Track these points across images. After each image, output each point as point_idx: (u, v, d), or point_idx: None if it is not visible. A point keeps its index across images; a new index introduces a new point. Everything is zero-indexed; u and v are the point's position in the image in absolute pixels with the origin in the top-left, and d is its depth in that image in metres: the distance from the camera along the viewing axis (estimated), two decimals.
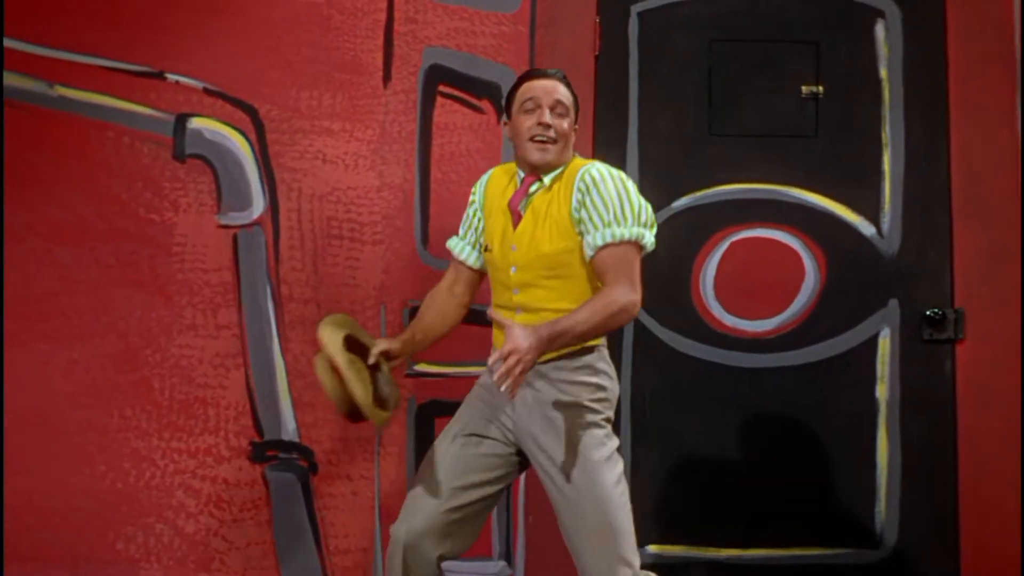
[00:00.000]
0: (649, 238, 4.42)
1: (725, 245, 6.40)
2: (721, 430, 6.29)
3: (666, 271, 6.20)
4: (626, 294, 4.34)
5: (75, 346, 5.82)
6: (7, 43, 5.80)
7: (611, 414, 4.51)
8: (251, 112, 6.03)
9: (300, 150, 6.06)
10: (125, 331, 5.91)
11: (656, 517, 6.20)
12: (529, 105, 4.56)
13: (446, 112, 6.40)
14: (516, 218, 4.62)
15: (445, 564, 4.72)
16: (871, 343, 6.39)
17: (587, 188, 4.50)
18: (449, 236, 5.16)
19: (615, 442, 4.44)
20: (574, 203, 4.52)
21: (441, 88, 6.38)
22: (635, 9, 6.38)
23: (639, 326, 6.31)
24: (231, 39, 6.05)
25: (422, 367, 6.30)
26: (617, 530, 4.46)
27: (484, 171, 5.30)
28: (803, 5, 6.20)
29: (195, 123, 6.05)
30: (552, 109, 4.59)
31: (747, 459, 6.33)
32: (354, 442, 6.16)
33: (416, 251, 6.27)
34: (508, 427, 4.62)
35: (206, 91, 5.99)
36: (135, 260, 5.91)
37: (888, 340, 6.40)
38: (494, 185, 4.75)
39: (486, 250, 4.67)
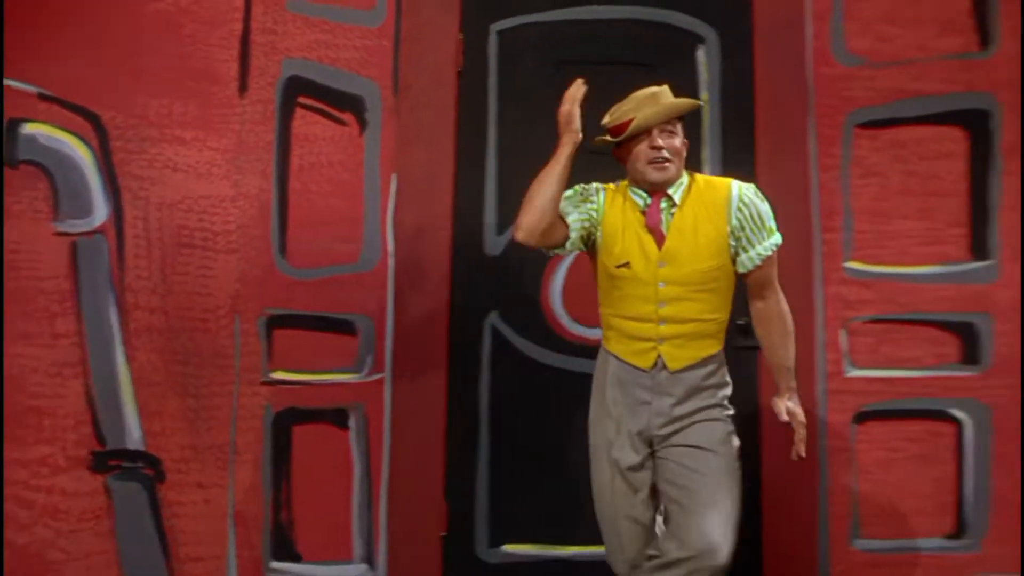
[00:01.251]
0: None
1: (571, 257, 4.26)
2: (571, 434, 4.13)
3: (520, 282, 4.32)
4: (785, 304, 3.41)
5: None
6: None
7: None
8: (93, 119, 3.93)
9: (149, 158, 3.99)
10: None
11: (510, 518, 4.28)
12: (647, 117, 3.31)
13: (306, 123, 4.23)
14: (659, 237, 3.34)
15: (304, 568, 3.73)
16: None
17: (746, 209, 3.35)
18: (310, 243, 3.95)
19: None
20: (734, 222, 3.35)
21: (301, 99, 4.22)
22: (494, 28, 4.32)
23: (496, 334, 4.35)
24: (73, 46, 3.96)
25: (279, 375, 4.13)
26: (736, 510, 3.34)
27: (346, 181, 3.94)
28: (639, 29, 4.37)
29: (28, 129, 3.86)
30: (661, 131, 3.34)
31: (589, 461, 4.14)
32: (205, 450, 4.07)
33: (273, 261, 4.15)
34: (645, 434, 3.41)
35: (41, 96, 3.89)
36: None
37: None
38: (610, 203, 3.43)
39: (620, 267, 3.35)
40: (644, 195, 3.33)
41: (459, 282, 4.21)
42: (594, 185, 3.44)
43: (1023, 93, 4.51)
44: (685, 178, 3.35)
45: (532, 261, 4.25)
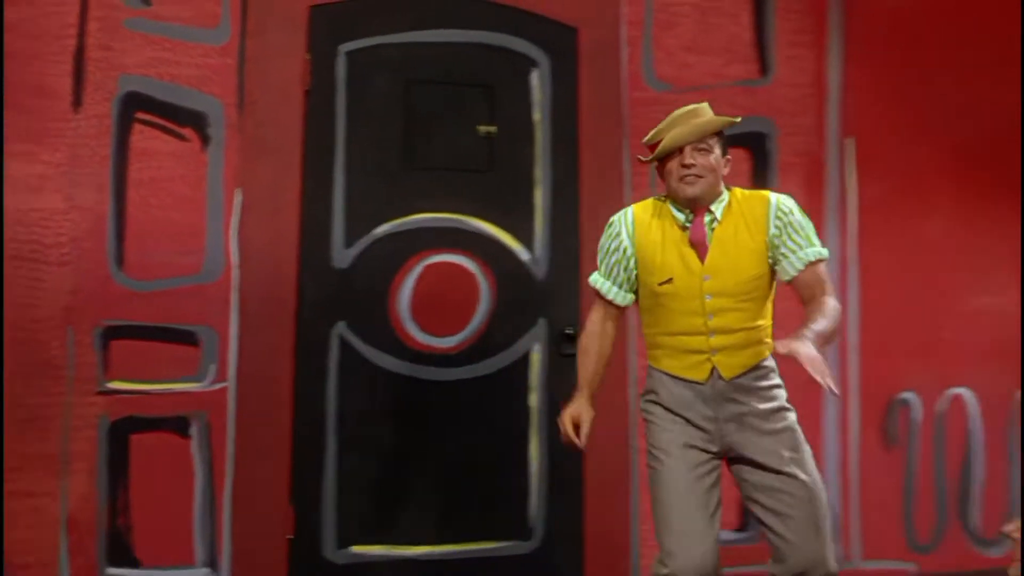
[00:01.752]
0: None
1: (419, 268, 3.73)
2: (414, 438, 3.68)
3: (368, 292, 3.71)
4: (837, 301, 2.80)
5: None
6: None
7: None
8: None
9: None
10: None
11: (358, 520, 3.66)
12: (682, 136, 2.81)
13: (145, 138, 3.47)
14: (703, 250, 2.84)
15: (142, 573, 3.13)
16: (526, 358, 3.84)
17: (784, 217, 2.85)
18: (149, 256, 3.28)
19: None
20: (773, 231, 2.86)
21: (139, 115, 3.47)
22: (343, 49, 3.67)
23: (344, 344, 3.64)
24: None
25: (116, 384, 3.39)
26: (827, 515, 2.83)
27: (187, 195, 3.31)
28: (481, 52, 3.82)
29: None
30: (695, 148, 2.81)
31: (435, 464, 3.74)
32: (36, 459, 3.30)
33: (110, 273, 3.40)
34: (714, 440, 2.83)
35: None
36: None
37: (538, 355, 3.85)
38: (642, 224, 2.91)
39: (663, 284, 2.83)
40: (687, 212, 2.89)
41: (306, 294, 3.77)
42: (615, 226, 2.95)
43: None
44: (726, 194, 2.92)
45: (380, 273, 3.77)
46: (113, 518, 3.42)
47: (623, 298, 2.91)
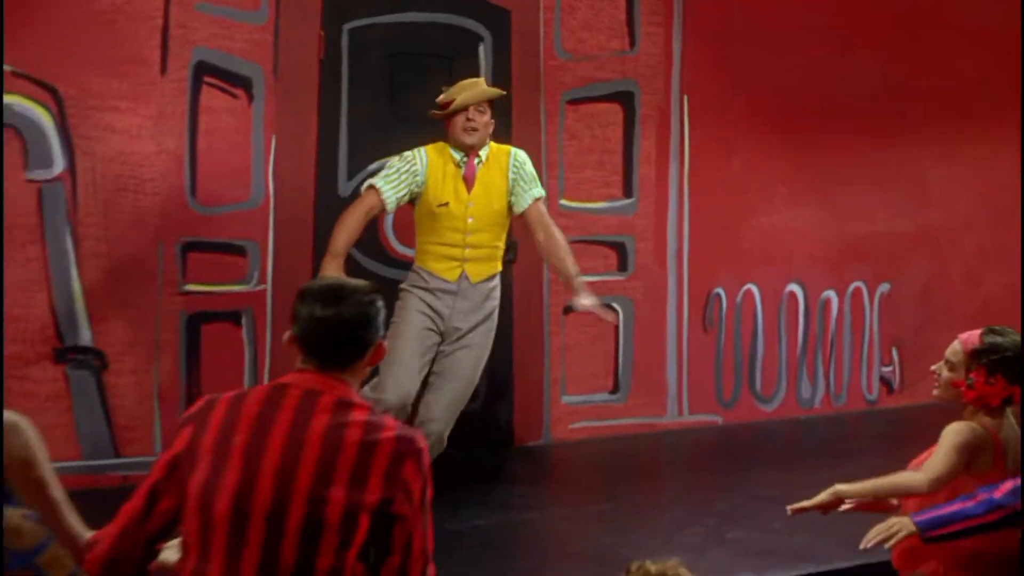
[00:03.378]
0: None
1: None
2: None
3: None
4: (559, 231, 3.94)
5: None
6: None
7: None
8: (53, 92, 4.17)
9: (94, 123, 4.26)
10: None
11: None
12: (463, 99, 3.87)
13: (210, 97, 4.56)
14: (470, 184, 3.85)
15: None
16: None
17: (519, 166, 3.93)
18: (213, 188, 4.29)
19: None
20: (511, 175, 3.91)
21: (206, 79, 4.55)
22: (346, 27, 4.78)
23: (348, 255, 4.40)
24: (38, 35, 4.13)
25: (191, 287, 4.45)
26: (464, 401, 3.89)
27: (237, 142, 4.39)
28: (443, 30, 5.02)
29: (6, 99, 4.01)
30: (475, 109, 3.87)
31: None
32: (135, 344, 4.37)
33: (187, 201, 4.48)
34: (443, 324, 3.85)
35: (14, 74, 4.09)
36: None
37: None
38: (432, 160, 3.90)
39: (440, 206, 3.83)
40: (462, 155, 3.90)
41: (320, 215, 4.98)
42: (413, 153, 3.90)
43: None
44: (488, 146, 3.95)
45: None
46: (190, 389, 4.55)
47: (392, 206, 3.83)
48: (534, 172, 3.99)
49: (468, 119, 3.80)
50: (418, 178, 3.85)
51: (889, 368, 5.97)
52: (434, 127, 4.52)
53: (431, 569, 1.98)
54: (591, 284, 4.20)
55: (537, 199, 3.91)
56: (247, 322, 4.63)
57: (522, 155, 3.98)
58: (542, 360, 5.17)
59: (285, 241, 4.70)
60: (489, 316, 3.92)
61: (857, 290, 5.93)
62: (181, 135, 4.37)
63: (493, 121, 3.94)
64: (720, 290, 5.64)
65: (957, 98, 6.16)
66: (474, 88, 3.91)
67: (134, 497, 1.94)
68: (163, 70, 4.31)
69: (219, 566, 1.82)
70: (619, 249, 5.27)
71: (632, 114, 5.44)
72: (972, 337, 2.69)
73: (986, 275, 6.23)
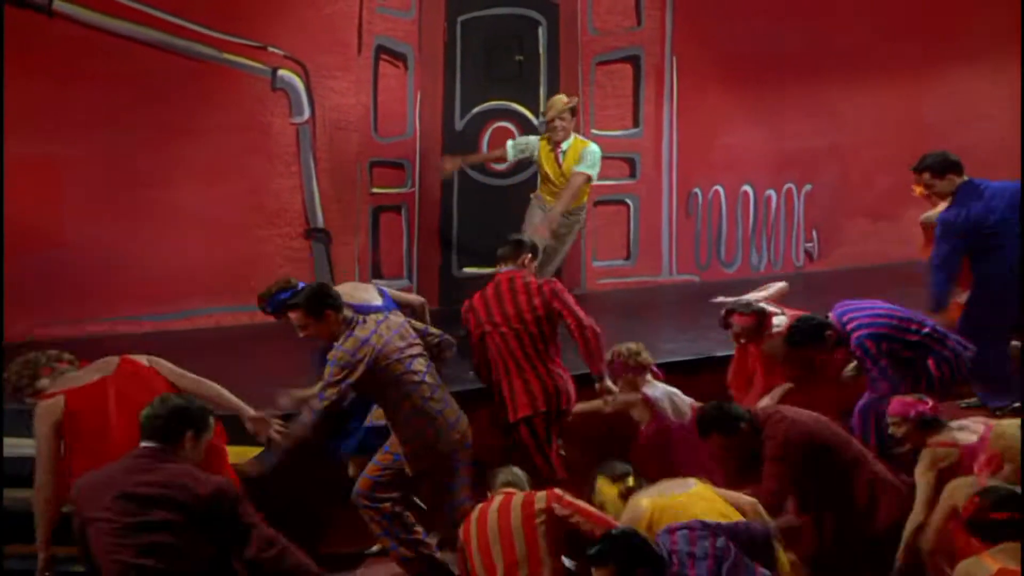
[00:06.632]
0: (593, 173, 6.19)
1: (491, 129, 7.37)
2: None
3: (471, 141, 7.29)
4: (575, 189, 6.04)
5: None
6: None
7: None
8: (302, 65, 6.76)
9: (323, 85, 6.80)
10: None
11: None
12: (551, 114, 6.16)
13: (385, 69, 7.07)
14: (558, 164, 6.10)
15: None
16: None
17: (585, 152, 6.04)
18: (389, 126, 6.81)
19: None
20: (579, 158, 6.12)
21: (382, 56, 7.01)
22: (459, 19, 7.24)
23: (461, 171, 7.16)
24: (294, 28, 6.71)
25: (376, 190, 7.04)
26: None
27: (399, 96, 6.87)
28: (517, 19, 7.37)
29: (280, 72, 6.69)
30: (558, 116, 6.07)
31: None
32: (348, 228, 7.06)
33: (372, 136, 7.06)
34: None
35: (283, 56, 6.75)
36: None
37: None
38: (543, 146, 6.18)
39: (543, 172, 6.13)
40: (554, 144, 6.18)
41: (447, 143, 7.28)
42: (532, 138, 6.32)
43: None
44: (571, 139, 6.17)
45: (474, 132, 7.34)
46: (374, 255, 7.20)
47: (510, 156, 6.39)
48: (590, 159, 6.05)
49: (552, 126, 6.13)
50: (535, 153, 6.21)
51: (811, 244, 8.16)
52: (512, 84, 7.22)
53: None
54: (610, 187, 7.09)
55: (577, 172, 6.03)
56: (405, 212, 7.37)
57: (592, 147, 6.07)
58: (580, 236, 7.93)
59: (425, 161, 7.38)
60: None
61: (789, 189, 8.11)
62: (368, 93, 7.02)
63: (573, 122, 6.17)
64: (697, 189, 7.97)
65: (862, 52, 8.06)
66: (555, 106, 6.17)
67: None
68: (359, 51, 6.95)
69: None
70: (630, 162, 7.70)
71: (639, 71, 7.76)
72: None
73: (877, 178, 8.17)
